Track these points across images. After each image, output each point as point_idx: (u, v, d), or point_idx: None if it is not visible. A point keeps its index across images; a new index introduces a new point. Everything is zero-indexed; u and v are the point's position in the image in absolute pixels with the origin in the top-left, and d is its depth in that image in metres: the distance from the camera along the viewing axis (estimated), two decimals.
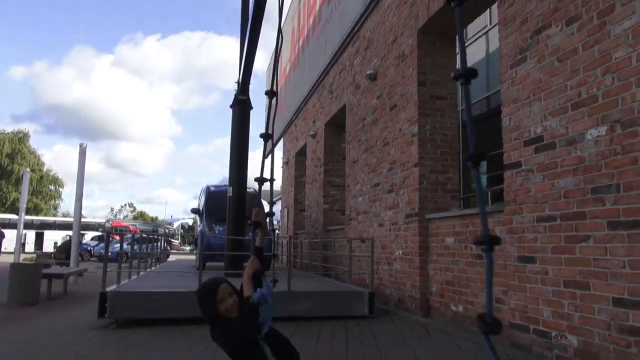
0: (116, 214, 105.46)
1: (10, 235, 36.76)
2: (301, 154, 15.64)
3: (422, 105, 6.66)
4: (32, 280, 8.12)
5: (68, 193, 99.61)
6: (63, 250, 15.70)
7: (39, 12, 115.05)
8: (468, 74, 1.50)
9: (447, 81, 6.84)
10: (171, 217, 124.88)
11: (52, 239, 40.14)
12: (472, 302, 5.28)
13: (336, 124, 11.90)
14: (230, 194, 9.04)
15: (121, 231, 50.29)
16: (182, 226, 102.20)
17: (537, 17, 4.27)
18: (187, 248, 26.10)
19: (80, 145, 12.95)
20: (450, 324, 5.68)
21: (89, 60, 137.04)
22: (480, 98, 9.87)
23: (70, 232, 30.99)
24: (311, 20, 14.02)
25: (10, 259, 24.54)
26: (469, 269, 5.35)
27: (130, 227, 52.13)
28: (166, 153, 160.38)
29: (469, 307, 5.34)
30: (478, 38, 10.35)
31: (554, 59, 4.04)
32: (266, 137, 3.06)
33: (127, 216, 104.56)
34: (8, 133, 60.36)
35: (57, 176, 73.15)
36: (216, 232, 10.02)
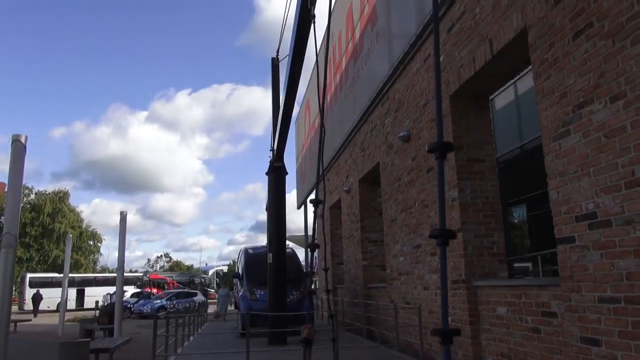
0: (153, 265, 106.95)
1: (52, 293, 37.67)
2: (336, 207, 15.65)
3: (461, 169, 6.63)
4: (80, 357, 8.22)
5: (106, 245, 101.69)
6: (106, 314, 15.87)
7: (76, 73, 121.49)
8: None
9: (483, 143, 6.82)
10: (206, 264, 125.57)
11: (93, 294, 40.78)
12: None
13: (370, 180, 11.94)
14: (271, 261, 9.07)
15: (159, 284, 50.80)
16: (217, 273, 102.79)
17: (577, 92, 4.25)
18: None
19: (121, 213, 13.32)
20: None
21: (124, 117, 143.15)
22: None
23: (111, 290, 31.47)
24: (338, 77, 14.35)
25: (50, 319, 24.86)
26: (526, 342, 5.15)
27: (168, 279, 52.63)
28: (199, 201, 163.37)
29: None
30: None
31: (600, 135, 3.99)
32: (313, 246, 3.11)
33: (163, 266, 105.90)
34: (49, 193, 62.79)
35: (96, 231, 75.01)
36: (257, 296, 10.01)
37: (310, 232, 23.47)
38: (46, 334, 16.86)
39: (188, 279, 58.06)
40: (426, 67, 7.80)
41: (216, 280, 77.13)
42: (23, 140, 6.68)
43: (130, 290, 37.53)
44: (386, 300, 9.87)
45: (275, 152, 9.06)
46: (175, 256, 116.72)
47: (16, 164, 6.62)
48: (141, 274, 54.33)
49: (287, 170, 9.56)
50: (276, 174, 9.33)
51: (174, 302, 28.63)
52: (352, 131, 12.40)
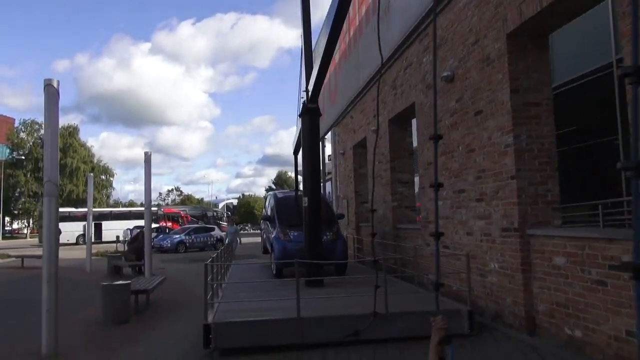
0: (164, 199, 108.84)
1: (69, 227, 38.58)
2: (360, 146, 15.40)
3: (517, 114, 6.30)
4: (123, 298, 8.38)
5: (117, 179, 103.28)
6: (133, 251, 16.20)
7: (76, 2, 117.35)
8: None
9: (541, 86, 6.43)
10: (216, 198, 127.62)
11: (109, 228, 41.80)
12: (594, 329, 5.02)
13: (401, 120, 11.59)
14: (306, 204, 8.97)
15: (173, 218, 51.68)
16: (227, 206, 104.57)
17: None
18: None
19: (145, 154, 13.19)
20: (564, 348, 5.45)
21: (127, 49, 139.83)
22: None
23: (130, 225, 32.03)
24: (364, 8, 13.56)
25: (71, 252, 25.36)
26: (589, 294, 5.08)
27: (181, 212, 53.45)
28: (206, 135, 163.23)
29: (589, 333, 5.10)
30: None
31: None
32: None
33: (174, 200, 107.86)
34: (59, 128, 62.61)
35: (107, 166, 75.60)
36: (291, 237, 10.03)
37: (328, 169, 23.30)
38: (74, 270, 17.30)
39: (201, 213, 58.89)
40: (476, 1, 7.23)
41: (227, 214, 78.47)
42: (55, 84, 6.38)
43: (142, 224, 38.27)
44: (419, 241, 9.87)
45: (310, 93, 8.68)
46: (185, 190, 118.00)
47: (51, 109, 6.38)
48: (155, 208, 55.28)
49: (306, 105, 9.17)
50: (311, 115, 9.01)
51: (193, 237, 29.23)
52: (382, 68, 11.86)
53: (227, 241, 17.33)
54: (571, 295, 5.37)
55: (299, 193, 12.44)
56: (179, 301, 10.50)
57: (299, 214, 11.03)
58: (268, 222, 11.35)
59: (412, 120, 11.67)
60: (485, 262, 7.05)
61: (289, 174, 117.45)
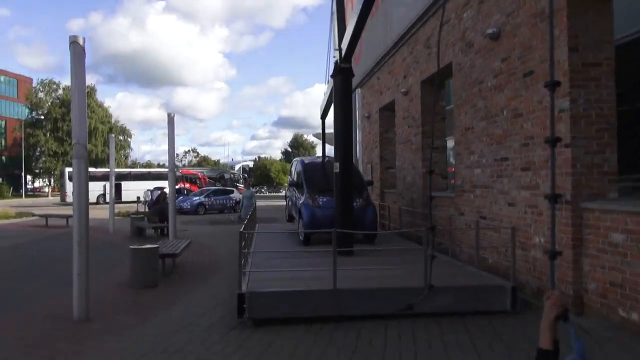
0: (181, 160, 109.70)
1: (89, 187, 38.98)
2: (387, 109, 14.87)
3: (575, 75, 5.79)
4: (151, 262, 8.27)
5: (134, 140, 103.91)
6: (156, 213, 16.17)
7: None
8: None
9: (602, 44, 5.87)
10: (232, 160, 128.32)
11: (128, 189, 42.23)
12: None
13: (434, 81, 11.02)
14: (337, 170, 8.64)
15: (191, 179, 51.97)
16: (244, 169, 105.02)
17: None
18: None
19: (169, 115, 12.89)
20: (617, 331, 5.13)
21: (141, 8, 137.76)
22: None
23: (150, 186, 32.19)
24: None
25: (91, 212, 25.26)
26: None
27: (199, 174, 53.65)
28: (222, 96, 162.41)
29: None
30: None
31: None
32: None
33: (190, 161, 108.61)
34: None
35: (125, 126, 75.86)
36: (320, 203, 9.75)
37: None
38: (97, 230, 17.36)
39: (218, 175, 59.07)
40: None
41: (244, 176, 78.69)
42: (81, 42, 6.03)
43: (163, 185, 38.52)
44: (452, 211, 9.52)
45: (344, 51, 8.18)
46: (200, 151, 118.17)
47: (77, 67, 6.05)
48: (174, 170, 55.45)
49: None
50: (344, 76, 8.53)
51: (212, 200, 29.33)
52: (414, 25, 11.24)
53: (242, 205, 17.35)
54: (629, 276, 5.01)
55: (328, 159, 12.13)
56: (204, 265, 10.43)
57: (328, 179, 10.75)
58: (295, 189, 11.07)
59: (446, 82, 11.13)
60: (529, 236, 6.69)
61: (305, 136, 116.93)
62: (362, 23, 7.34)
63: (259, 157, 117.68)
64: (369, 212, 9.78)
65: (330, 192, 9.97)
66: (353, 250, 8.55)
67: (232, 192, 30.94)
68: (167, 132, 12.90)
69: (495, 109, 7.57)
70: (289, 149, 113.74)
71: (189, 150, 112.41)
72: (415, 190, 11.62)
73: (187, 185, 46.06)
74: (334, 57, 8.92)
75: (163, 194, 17.13)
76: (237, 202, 29.29)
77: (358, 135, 19.13)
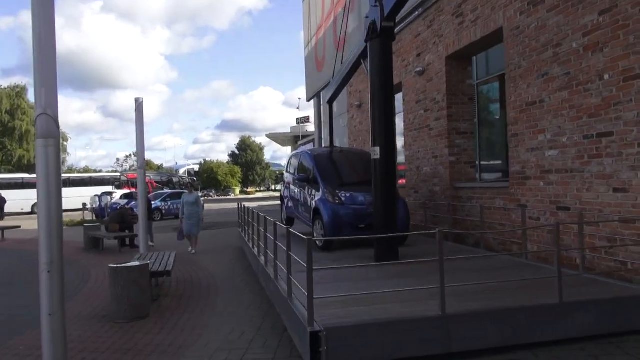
0: (122, 164, 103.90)
1: (23, 195, 34.87)
2: None
3: None
4: (139, 285, 6.12)
5: (70, 145, 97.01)
6: (116, 219, 13.67)
7: None
8: None
9: None
10: (176, 163, 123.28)
11: (69, 196, 38.27)
12: None
13: (463, 57, 9.51)
14: (377, 156, 6.87)
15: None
16: (189, 172, 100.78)
17: None
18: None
19: (136, 100, 10.59)
20: None
21: (76, 7, 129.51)
22: None
23: (98, 192, 29.00)
24: None
25: (29, 223, 22.06)
26: None
27: (146, 178, 50.02)
28: (163, 99, 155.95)
29: None
30: None
31: None
32: None
33: (133, 166, 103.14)
34: (5, 88, 56.85)
35: (61, 130, 70.25)
36: (342, 199, 7.93)
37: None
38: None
39: (167, 178, 55.63)
40: None
41: (192, 179, 74.91)
42: None
43: (111, 190, 35.09)
44: (497, 203, 8.01)
45: (390, 6, 6.42)
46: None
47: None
48: (119, 174, 51.67)
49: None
50: (385, 38, 6.78)
51: (169, 204, 26.70)
52: None
53: (182, 216, 11.57)
54: None
55: (339, 149, 10.32)
56: (196, 283, 8.30)
57: (349, 170, 8.94)
58: (302, 186, 9.11)
59: (473, 59, 9.64)
60: None
61: (253, 138, 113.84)
62: None
63: (205, 161, 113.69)
64: (401, 208, 8.04)
65: (353, 186, 8.19)
66: (398, 255, 6.83)
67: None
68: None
69: (586, 74, 6.07)
70: (237, 152, 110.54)
71: (130, 155, 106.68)
72: (438, 182, 10.03)
73: (135, 190, 42.65)
74: (366, 16, 7.12)
75: (123, 208, 14.60)
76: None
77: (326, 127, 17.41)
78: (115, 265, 6.09)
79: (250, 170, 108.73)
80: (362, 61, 8.12)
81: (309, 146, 47.20)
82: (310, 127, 61.59)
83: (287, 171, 10.76)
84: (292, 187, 9.97)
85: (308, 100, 23.83)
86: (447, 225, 9.39)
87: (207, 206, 35.56)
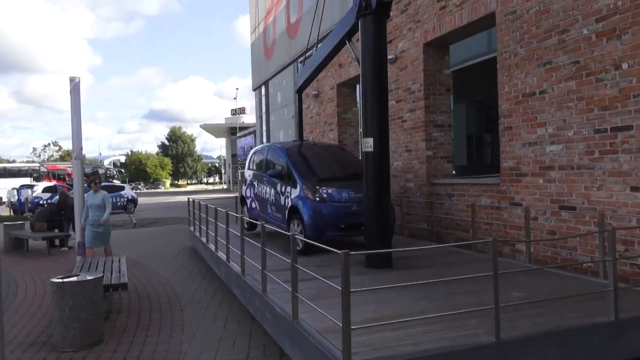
0: (39, 154, 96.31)
1: None
2: (348, 85, 12.57)
3: None
4: (92, 304, 4.94)
5: None
6: (44, 217, 11.94)
7: None
8: None
9: None
10: (100, 154, 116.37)
11: None
12: None
13: (442, 45, 8.97)
14: (370, 148, 6.10)
15: (59, 176, 44.71)
16: (114, 164, 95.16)
17: None
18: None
19: (72, 80, 9.13)
20: None
21: None
22: None
23: (16, 184, 26.11)
24: None
25: None
26: None
27: (68, 169, 46.26)
28: (85, 86, 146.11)
29: None
30: None
31: None
32: None
33: (52, 156, 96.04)
34: None
35: None
36: (324, 195, 7.10)
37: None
38: None
39: (92, 170, 51.94)
40: None
41: (120, 170, 70.52)
42: None
43: (31, 183, 31.84)
44: (484, 200, 7.55)
45: None
46: (62, 145, 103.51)
47: None
48: (37, 165, 47.51)
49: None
50: (380, 15, 6.00)
51: None
52: None
53: (84, 219, 8.63)
54: None
55: (311, 142, 9.45)
56: (152, 294, 7.14)
57: (328, 165, 8.11)
58: (272, 183, 8.11)
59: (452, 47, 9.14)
60: None
61: (183, 129, 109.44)
62: None
63: (132, 151, 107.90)
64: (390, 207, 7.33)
65: (335, 182, 7.39)
66: (391, 261, 6.14)
67: (122, 188, 26.14)
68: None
69: (599, 63, 5.65)
70: (167, 142, 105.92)
71: (48, 144, 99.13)
72: (412, 177, 9.47)
73: (55, 182, 39.22)
74: None
75: (63, 193, 12.77)
76: (130, 200, 24.86)
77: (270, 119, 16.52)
78: (60, 280, 4.88)
79: (180, 162, 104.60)
80: (346, 42, 7.29)
81: (250, 138, 45.64)
82: (247, 119, 59.96)
83: (248, 168, 9.70)
84: (257, 185, 8.95)
85: (254, 90, 22.66)
86: (425, 224, 8.89)
87: (140, 200, 33.29)
